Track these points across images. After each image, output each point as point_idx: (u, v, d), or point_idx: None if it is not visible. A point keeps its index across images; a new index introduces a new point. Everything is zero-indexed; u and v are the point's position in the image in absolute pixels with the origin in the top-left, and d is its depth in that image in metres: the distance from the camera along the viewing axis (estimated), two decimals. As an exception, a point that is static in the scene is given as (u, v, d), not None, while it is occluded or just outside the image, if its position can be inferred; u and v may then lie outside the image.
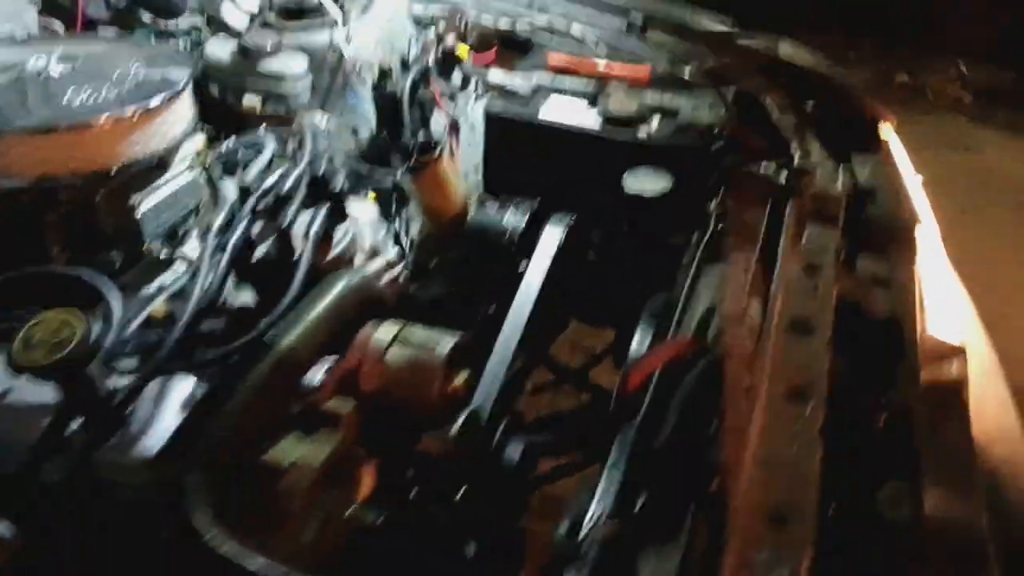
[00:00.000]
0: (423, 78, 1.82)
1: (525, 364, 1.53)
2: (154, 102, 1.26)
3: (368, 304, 1.35)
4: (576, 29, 2.07)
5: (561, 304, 1.66)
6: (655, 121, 1.81)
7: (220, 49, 1.75)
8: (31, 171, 1.18)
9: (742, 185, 1.62)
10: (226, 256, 1.28)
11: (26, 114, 1.20)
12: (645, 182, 1.71)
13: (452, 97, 1.88)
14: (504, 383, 1.35)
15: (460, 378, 1.29)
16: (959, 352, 1.11)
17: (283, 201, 1.40)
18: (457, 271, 1.65)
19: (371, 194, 1.69)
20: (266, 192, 1.38)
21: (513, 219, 1.65)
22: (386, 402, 1.24)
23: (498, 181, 2.00)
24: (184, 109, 1.35)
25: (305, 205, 1.44)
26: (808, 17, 4.13)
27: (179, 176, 1.33)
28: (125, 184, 1.25)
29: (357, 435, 1.19)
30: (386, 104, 1.79)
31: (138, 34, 1.80)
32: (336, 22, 1.78)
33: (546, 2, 2.13)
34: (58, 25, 1.80)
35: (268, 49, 1.72)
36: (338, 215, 1.51)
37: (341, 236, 1.46)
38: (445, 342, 1.27)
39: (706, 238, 1.50)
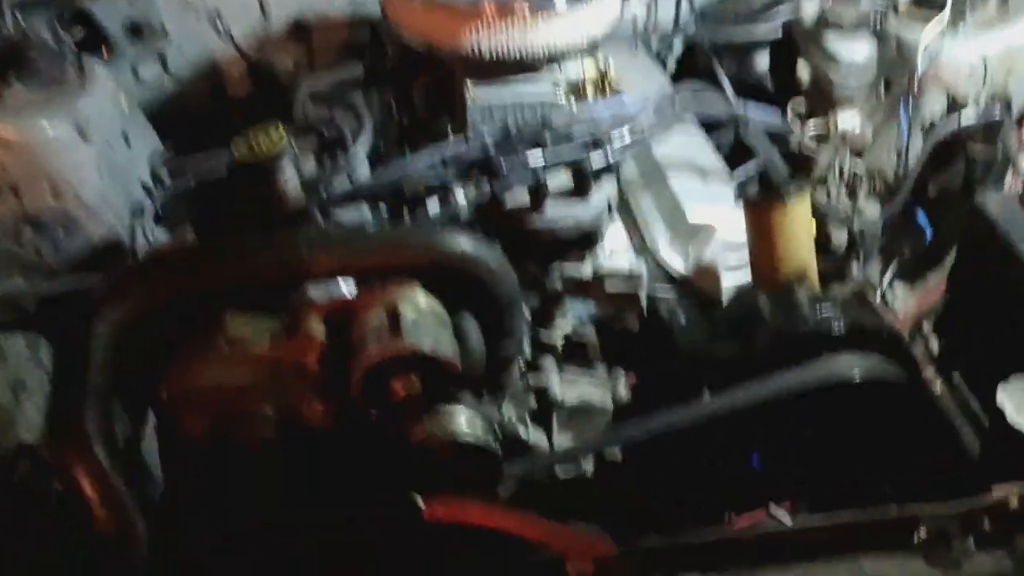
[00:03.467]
0: (997, 126, 1.51)
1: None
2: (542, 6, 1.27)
3: (450, 271, 1.15)
4: None
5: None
6: None
7: (810, 8, 1.67)
8: (423, 35, 1.34)
9: None
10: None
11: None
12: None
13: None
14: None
15: (407, 385, 1.09)
16: None
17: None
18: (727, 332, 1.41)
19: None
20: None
21: (827, 324, 1.32)
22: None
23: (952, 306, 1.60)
24: (567, 32, 1.32)
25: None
26: None
27: (531, 86, 1.34)
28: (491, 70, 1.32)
29: (313, 363, 1.11)
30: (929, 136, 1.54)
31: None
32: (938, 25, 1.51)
33: None
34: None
35: (842, 24, 1.59)
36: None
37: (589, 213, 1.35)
38: (427, 339, 1.07)
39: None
